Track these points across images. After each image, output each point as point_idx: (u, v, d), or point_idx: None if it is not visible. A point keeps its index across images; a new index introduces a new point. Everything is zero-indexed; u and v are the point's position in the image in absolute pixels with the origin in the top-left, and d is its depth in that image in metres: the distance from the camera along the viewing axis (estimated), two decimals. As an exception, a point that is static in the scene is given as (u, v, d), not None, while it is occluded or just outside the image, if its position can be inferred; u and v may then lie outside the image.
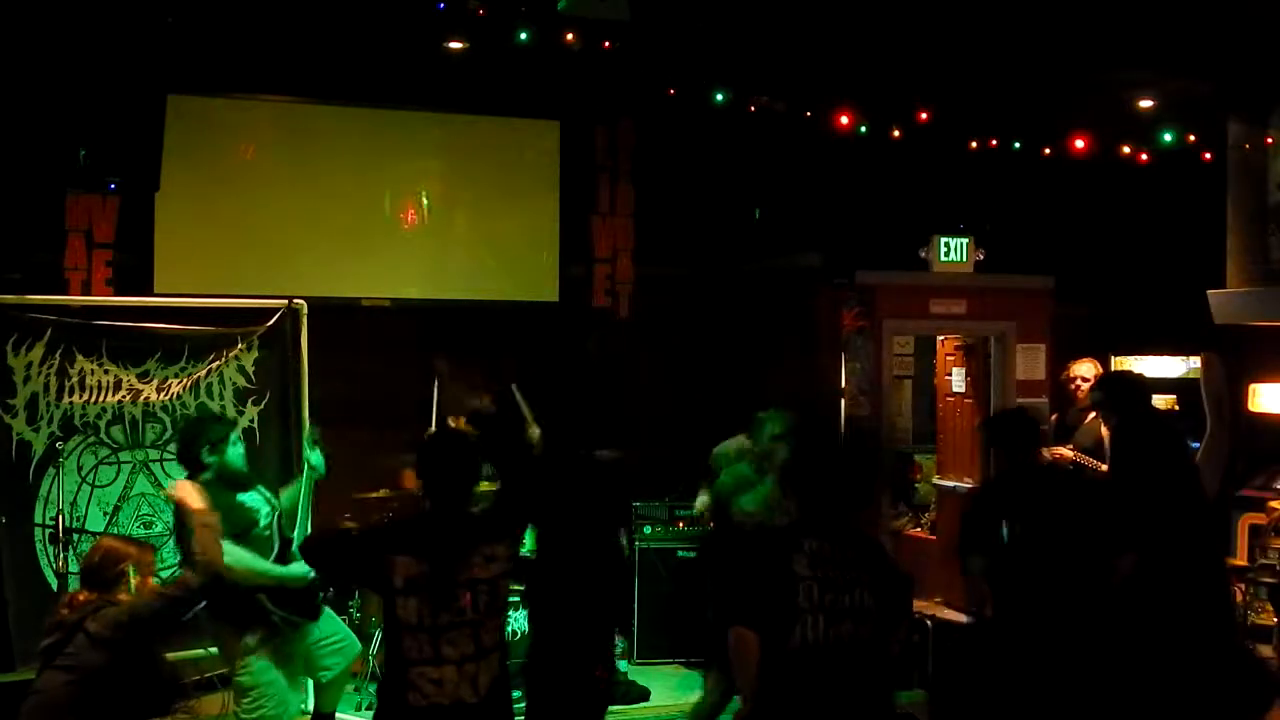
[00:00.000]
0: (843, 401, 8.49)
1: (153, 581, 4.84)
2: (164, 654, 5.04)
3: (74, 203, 7.78)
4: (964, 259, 8.66)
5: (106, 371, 6.68)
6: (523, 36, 6.92)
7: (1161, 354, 8.98)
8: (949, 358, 9.07)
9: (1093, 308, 9.28)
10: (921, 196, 8.91)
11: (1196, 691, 5.77)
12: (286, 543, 5.51)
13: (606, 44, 7.05)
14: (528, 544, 5.45)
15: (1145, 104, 8.34)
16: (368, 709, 6.67)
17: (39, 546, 6.45)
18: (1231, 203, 8.60)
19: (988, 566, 5.50)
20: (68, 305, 6.93)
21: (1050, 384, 8.61)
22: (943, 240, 8.59)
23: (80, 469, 6.63)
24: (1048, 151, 8.68)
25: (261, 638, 5.39)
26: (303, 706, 6.08)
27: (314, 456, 5.82)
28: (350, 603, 7.22)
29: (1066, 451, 7.53)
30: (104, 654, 4.45)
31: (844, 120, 8.11)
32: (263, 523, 5.47)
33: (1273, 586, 7.25)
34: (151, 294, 7.61)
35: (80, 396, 6.61)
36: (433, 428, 7.29)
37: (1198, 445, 8.05)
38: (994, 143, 8.61)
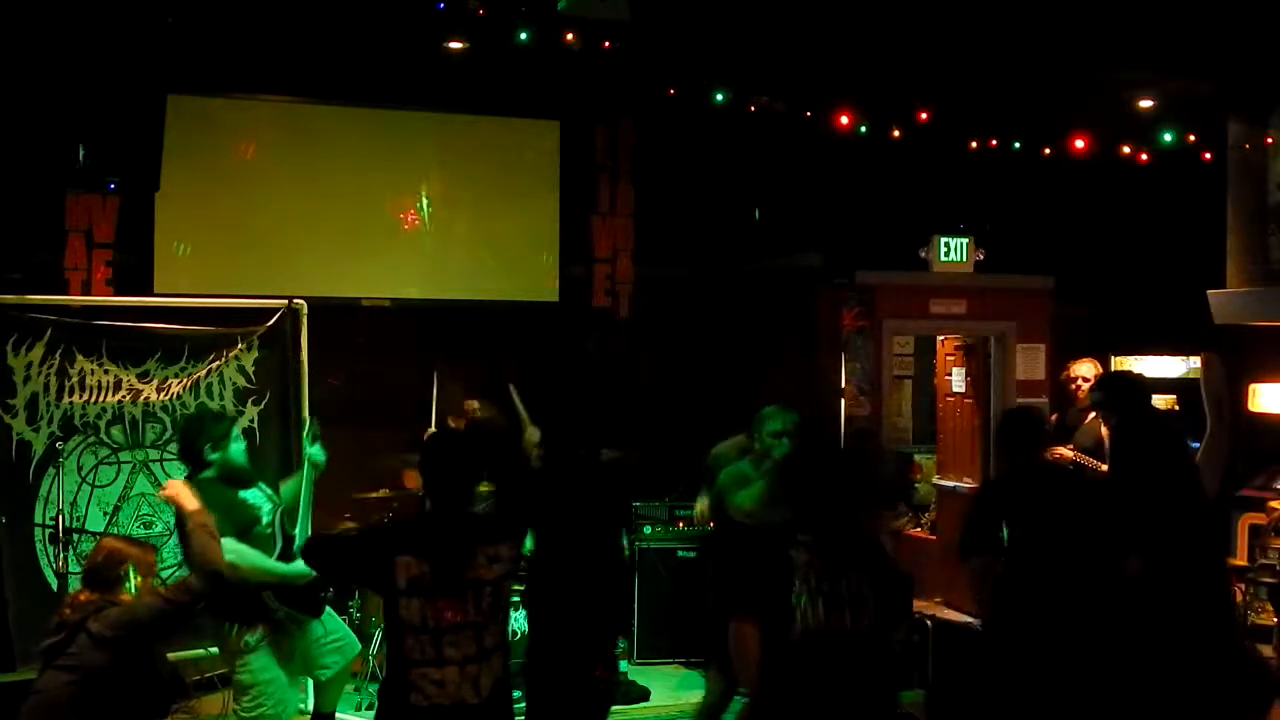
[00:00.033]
0: (843, 401, 8.50)
1: (154, 582, 4.83)
2: (164, 654, 5.03)
3: (74, 203, 7.78)
4: (964, 259, 8.66)
5: (106, 371, 6.67)
6: (523, 36, 6.92)
7: (1161, 354, 8.98)
8: (949, 358, 9.07)
9: (1093, 308, 9.28)
10: (921, 196, 8.91)
11: (1197, 691, 5.77)
12: (289, 539, 5.50)
13: (606, 44, 7.05)
14: (527, 544, 5.45)
15: (1145, 104, 8.34)
16: (368, 709, 6.67)
17: (39, 546, 6.44)
18: (1231, 203, 8.60)
19: (990, 566, 5.50)
20: (68, 305, 6.92)
21: (1050, 384, 8.61)
22: (943, 240, 8.60)
23: (80, 469, 6.63)
24: (1048, 151, 8.68)
25: (263, 635, 5.39)
26: (301, 706, 6.07)
27: (315, 451, 5.81)
28: (350, 603, 7.22)
29: (1066, 451, 7.53)
30: (106, 654, 4.45)
31: (844, 120, 8.11)
32: (265, 520, 5.46)
33: (1273, 586, 7.25)
34: (151, 294, 7.62)
35: (80, 396, 6.61)
36: (433, 428, 7.29)
37: (1198, 445, 8.05)
38: (994, 143, 8.61)
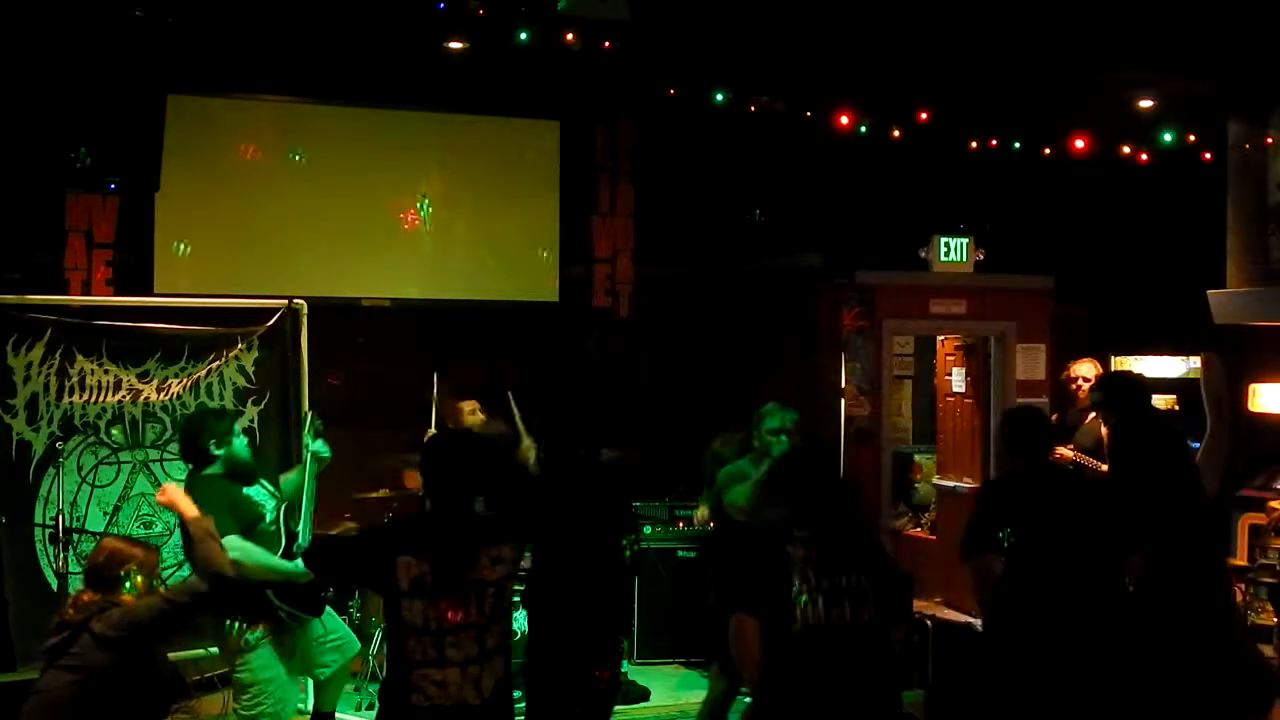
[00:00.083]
0: (843, 401, 8.51)
1: (156, 583, 4.83)
2: (165, 654, 5.03)
3: (74, 203, 7.78)
4: (964, 259, 8.67)
5: (106, 371, 6.67)
6: (523, 36, 6.92)
7: (1161, 354, 8.99)
8: (949, 358, 9.08)
9: (1093, 308, 9.28)
10: (921, 196, 8.92)
11: (1198, 691, 5.77)
12: (292, 537, 5.49)
13: (606, 44, 7.05)
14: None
15: (1145, 104, 8.33)
16: (368, 709, 6.67)
17: (39, 546, 6.44)
18: (1231, 203, 8.60)
19: (991, 566, 5.49)
20: (68, 305, 6.92)
21: (1050, 384, 8.62)
22: (943, 240, 8.60)
23: (80, 469, 6.62)
24: (1048, 151, 8.67)
25: (264, 633, 5.38)
26: (300, 705, 6.07)
27: (320, 445, 5.80)
28: (350, 603, 7.22)
29: (1066, 451, 7.53)
30: (109, 654, 4.44)
31: (844, 120, 8.11)
32: (269, 517, 5.45)
33: (1273, 586, 7.26)
34: (151, 294, 7.62)
35: (80, 396, 6.61)
36: (433, 428, 7.29)
37: (1198, 445, 8.05)
38: (994, 143, 8.61)
